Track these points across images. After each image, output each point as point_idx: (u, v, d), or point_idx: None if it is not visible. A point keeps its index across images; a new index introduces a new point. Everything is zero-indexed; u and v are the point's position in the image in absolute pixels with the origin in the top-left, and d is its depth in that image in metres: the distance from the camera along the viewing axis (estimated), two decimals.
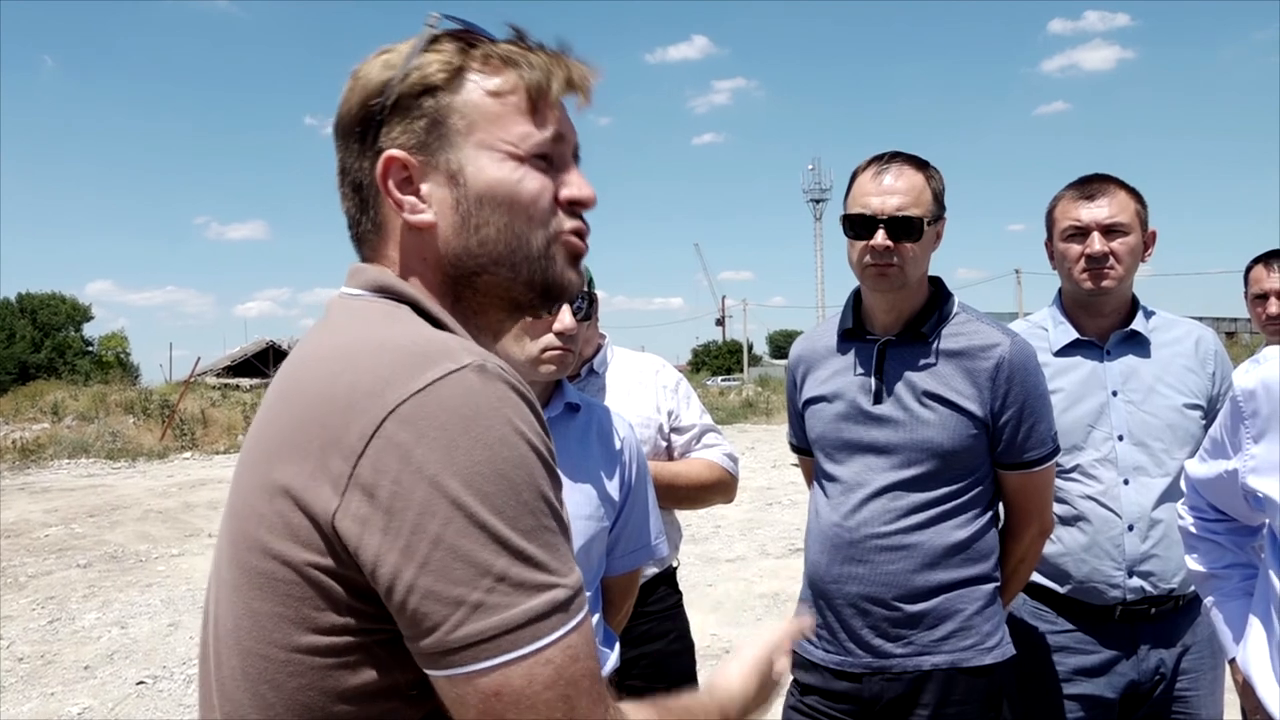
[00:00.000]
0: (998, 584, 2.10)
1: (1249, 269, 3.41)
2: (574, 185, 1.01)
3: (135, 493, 13.34)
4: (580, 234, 1.03)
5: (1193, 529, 1.93)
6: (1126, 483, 2.29)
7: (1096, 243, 2.32)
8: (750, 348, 69.02)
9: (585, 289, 1.93)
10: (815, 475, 2.25)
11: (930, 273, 2.16)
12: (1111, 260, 2.32)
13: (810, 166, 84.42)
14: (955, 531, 2.04)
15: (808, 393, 2.24)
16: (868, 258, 2.06)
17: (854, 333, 2.18)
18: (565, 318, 1.86)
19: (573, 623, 0.82)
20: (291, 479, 0.84)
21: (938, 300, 2.14)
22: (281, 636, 0.85)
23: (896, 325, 2.13)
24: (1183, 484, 1.97)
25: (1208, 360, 2.39)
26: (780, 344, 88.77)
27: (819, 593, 2.14)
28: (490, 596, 0.79)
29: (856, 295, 2.22)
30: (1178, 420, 2.31)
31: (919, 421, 2.04)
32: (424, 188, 0.97)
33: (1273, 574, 1.64)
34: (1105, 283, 2.33)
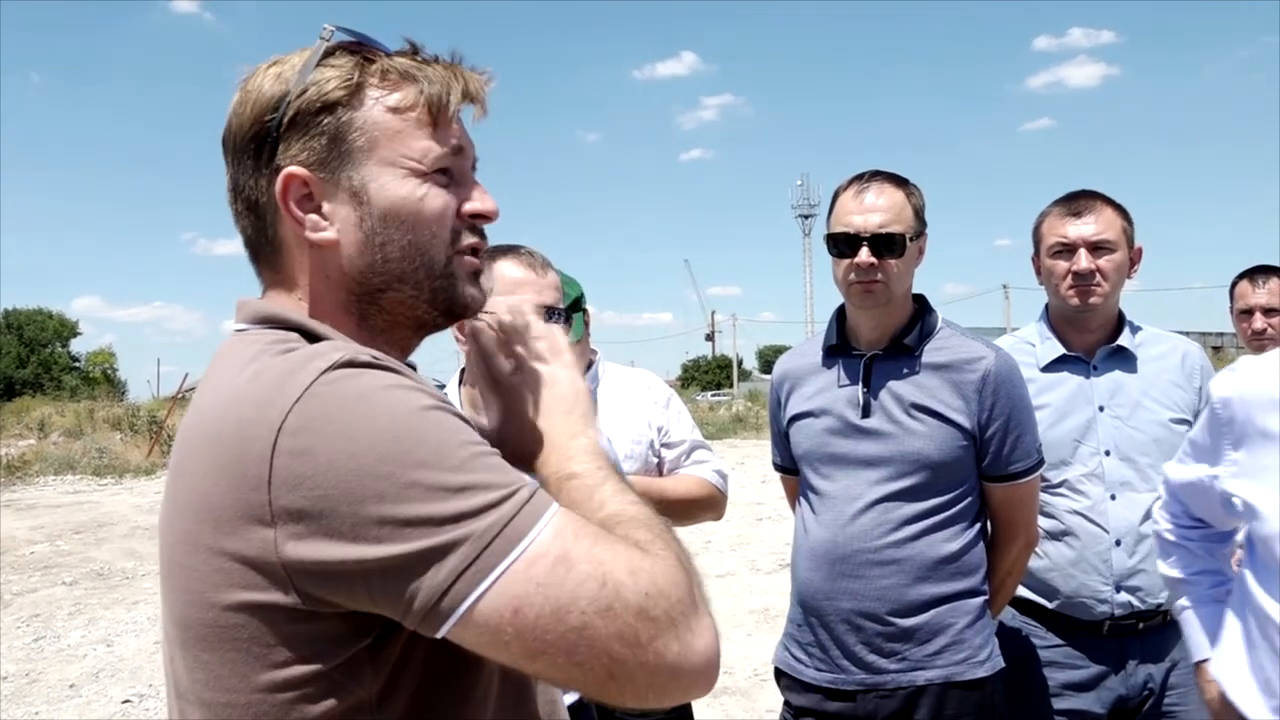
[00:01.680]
0: (987, 597, 2.11)
1: (1234, 284, 3.44)
2: (476, 199, 1.01)
3: (122, 509, 13.26)
4: (476, 250, 1.03)
5: (1169, 535, 1.95)
6: (1114, 498, 2.31)
7: (1083, 260, 2.34)
8: (740, 363, 69.12)
9: (562, 306, 1.93)
10: (802, 491, 2.26)
11: (916, 287, 2.19)
12: (1098, 277, 2.34)
13: (799, 182, 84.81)
14: (946, 544, 2.06)
15: (794, 409, 2.25)
16: (852, 275, 2.09)
17: (840, 348, 2.20)
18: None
19: (549, 510, 0.84)
20: (224, 539, 0.83)
21: (921, 315, 2.16)
22: (239, 681, 0.85)
23: (882, 340, 2.15)
24: (1160, 488, 1.99)
25: (1194, 375, 2.41)
26: (769, 359, 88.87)
27: (810, 610, 2.14)
28: (454, 534, 0.79)
29: (841, 312, 2.24)
30: (1164, 435, 2.33)
31: (908, 433, 2.06)
32: (326, 206, 0.96)
33: (1249, 579, 1.65)
34: (1091, 299, 2.35)
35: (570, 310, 2.00)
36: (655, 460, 2.55)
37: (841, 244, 2.10)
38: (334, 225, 0.96)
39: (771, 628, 6.62)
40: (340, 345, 0.89)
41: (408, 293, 0.98)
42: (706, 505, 2.58)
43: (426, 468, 0.80)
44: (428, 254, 0.98)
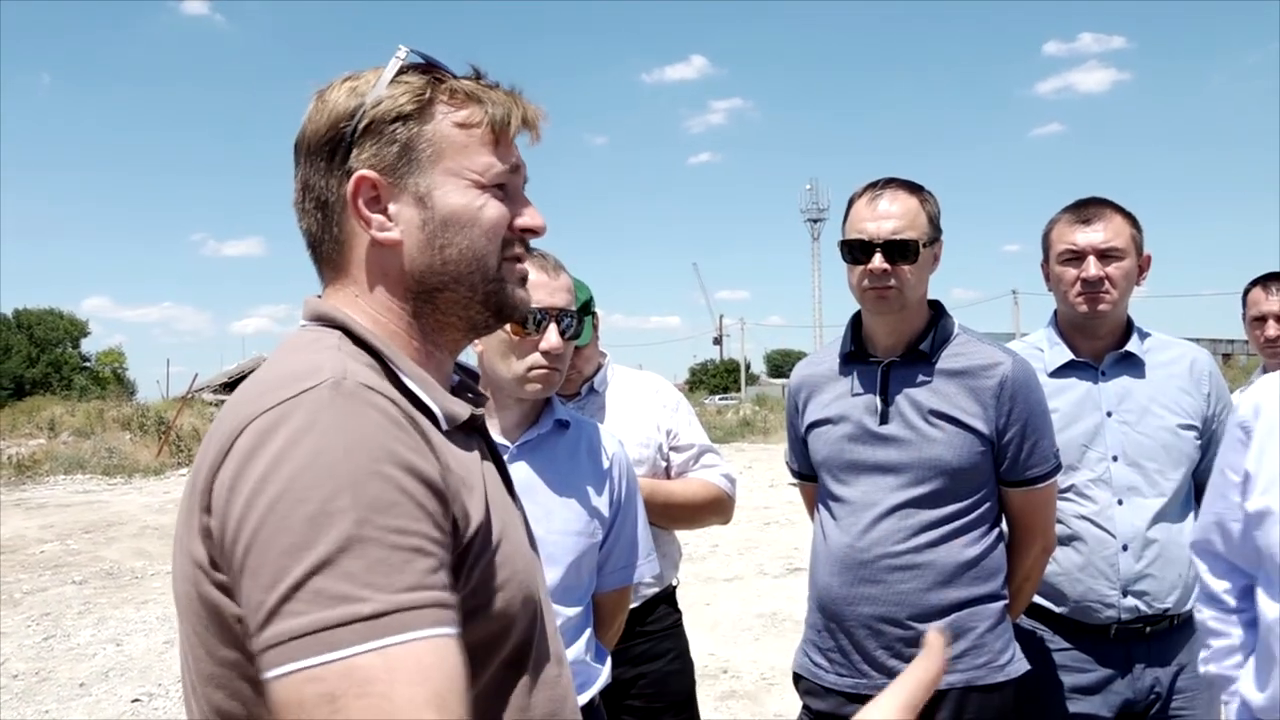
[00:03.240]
0: (1006, 602, 2.12)
1: (1247, 291, 3.44)
2: (528, 215, 1.10)
3: (131, 509, 13.31)
4: (521, 259, 1.11)
5: (1210, 622, 1.82)
6: (1121, 503, 2.31)
7: (1092, 267, 2.35)
8: (748, 367, 69.08)
9: (574, 309, 1.95)
10: (821, 498, 2.27)
11: (928, 294, 2.19)
12: (1107, 284, 2.35)
13: (808, 186, 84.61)
14: (965, 549, 2.07)
15: (811, 416, 2.26)
16: (866, 281, 2.10)
17: (856, 355, 2.21)
18: (551, 337, 1.89)
19: (390, 640, 0.76)
20: (186, 527, 0.91)
21: (937, 321, 2.17)
22: (206, 655, 0.91)
23: (898, 347, 2.16)
24: (1197, 565, 1.86)
25: (1202, 381, 2.41)
26: (778, 363, 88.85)
27: (830, 615, 2.16)
28: (291, 601, 0.77)
29: (857, 318, 2.25)
30: (1172, 441, 2.34)
31: (926, 440, 2.07)
32: (391, 208, 1.03)
33: (1261, 595, 1.65)
34: (1100, 306, 2.36)
35: (580, 313, 2.01)
36: (663, 463, 2.57)
37: (855, 250, 2.12)
38: (398, 226, 1.04)
39: (779, 632, 6.63)
40: (344, 366, 0.91)
41: (462, 293, 1.06)
42: (715, 509, 2.60)
43: (313, 523, 0.79)
44: (482, 259, 1.05)
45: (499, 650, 0.99)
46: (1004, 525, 2.18)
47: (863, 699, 2.11)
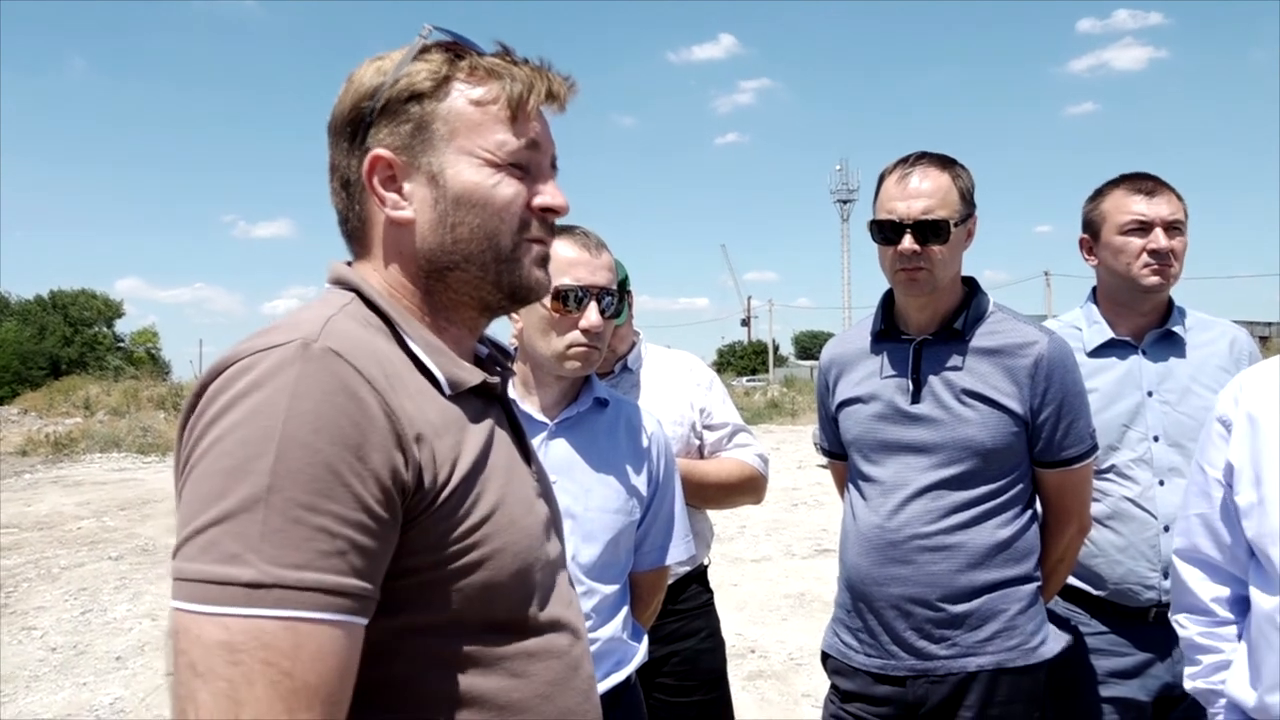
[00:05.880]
0: (1039, 583, 2.09)
1: None
2: (548, 193, 1.08)
3: (166, 486, 13.47)
4: (543, 240, 1.09)
5: (1198, 638, 1.74)
6: (1162, 484, 2.27)
7: (1162, 238, 2.31)
8: (776, 348, 68.78)
9: (614, 288, 1.94)
10: (851, 478, 2.24)
11: (962, 270, 2.15)
12: (1171, 257, 2.32)
13: (838, 167, 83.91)
14: (998, 530, 2.04)
15: (842, 394, 2.23)
16: (897, 263, 2.06)
17: (888, 333, 2.18)
18: (591, 315, 1.88)
19: (257, 611, 0.80)
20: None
21: (971, 299, 2.13)
22: None
23: (931, 325, 2.12)
24: (1184, 573, 1.77)
25: (1242, 360, 2.36)
26: (806, 345, 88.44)
27: (859, 595, 2.13)
28: (189, 544, 0.82)
29: (889, 296, 2.21)
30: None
31: (959, 420, 2.04)
32: (406, 186, 1.04)
33: (1254, 590, 1.60)
34: (1166, 279, 2.33)
35: (619, 292, 2.00)
36: (696, 442, 2.55)
37: (886, 231, 2.07)
38: (412, 205, 1.04)
39: (807, 613, 6.62)
40: (320, 327, 0.92)
41: (474, 273, 1.05)
42: (748, 489, 2.58)
43: (233, 477, 0.82)
44: (495, 238, 1.04)
45: (480, 616, 0.98)
46: (1038, 506, 2.15)
47: (891, 680, 2.12)
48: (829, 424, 2.33)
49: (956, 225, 2.05)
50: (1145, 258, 2.32)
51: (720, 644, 2.57)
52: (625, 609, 1.95)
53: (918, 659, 2.05)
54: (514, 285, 1.07)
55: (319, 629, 0.81)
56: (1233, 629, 1.70)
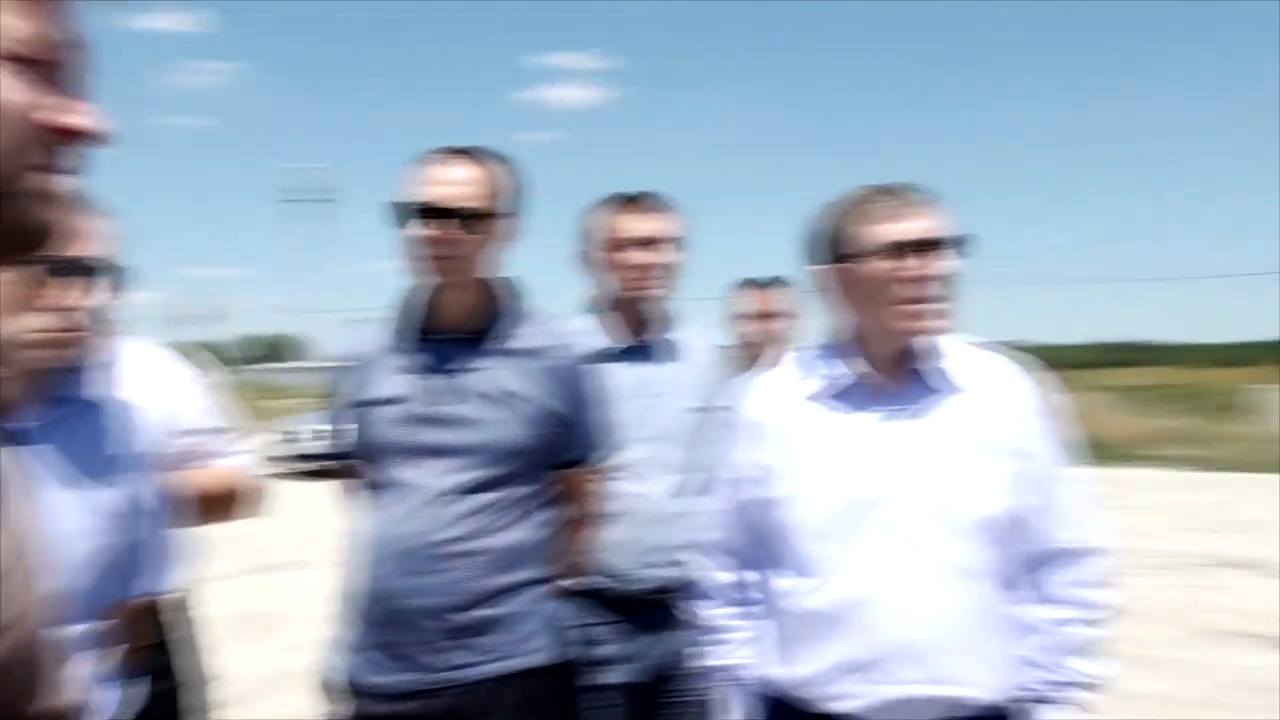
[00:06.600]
0: (555, 585, 2.13)
1: (737, 291, 3.83)
2: (69, 111, 0.76)
3: None
4: (57, 170, 0.77)
5: (720, 620, 1.91)
6: (653, 480, 2.47)
7: (649, 254, 2.51)
8: (235, 350, 64.53)
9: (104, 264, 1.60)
10: (369, 485, 2.11)
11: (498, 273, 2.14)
12: (656, 270, 2.54)
13: (299, 165, 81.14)
14: (518, 534, 2.04)
15: (360, 395, 2.09)
16: (421, 248, 1.99)
17: (414, 332, 2.08)
18: (70, 291, 1.52)
19: None
20: None
21: (502, 299, 2.12)
22: None
23: (459, 323, 2.07)
24: (704, 563, 1.96)
25: (716, 365, 2.67)
26: (264, 348, 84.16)
27: (374, 611, 2.01)
28: None
29: (415, 292, 2.12)
30: (695, 422, 2.54)
31: (483, 422, 2.00)
32: None
33: (780, 576, 1.81)
34: (656, 289, 2.55)
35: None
36: (182, 446, 2.22)
37: (411, 214, 1.99)
38: None
39: (272, 634, 6.19)
40: None
41: None
42: (240, 500, 2.32)
43: None
44: None
45: None
46: (558, 507, 2.19)
47: (408, 696, 2.01)
48: (344, 427, 2.16)
49: (492, 218, 2.02)
50: (636, 271, 2.49)
51: (202, 676, 2.26)
52: (103, 649, 1.61)
53: (435, 672, 1.98)
54: (13, 225, 0.74)
55: None
56: (750, 610, 1.87)
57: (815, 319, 3.94)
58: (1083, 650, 1.78)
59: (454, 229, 1.97)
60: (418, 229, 1.99)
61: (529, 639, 2.03)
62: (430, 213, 1.97)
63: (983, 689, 1.70)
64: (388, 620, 2.00)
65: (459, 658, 1.98)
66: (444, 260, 1.99)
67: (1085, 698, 1.79)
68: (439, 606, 1.97)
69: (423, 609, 1.97)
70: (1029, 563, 1.78)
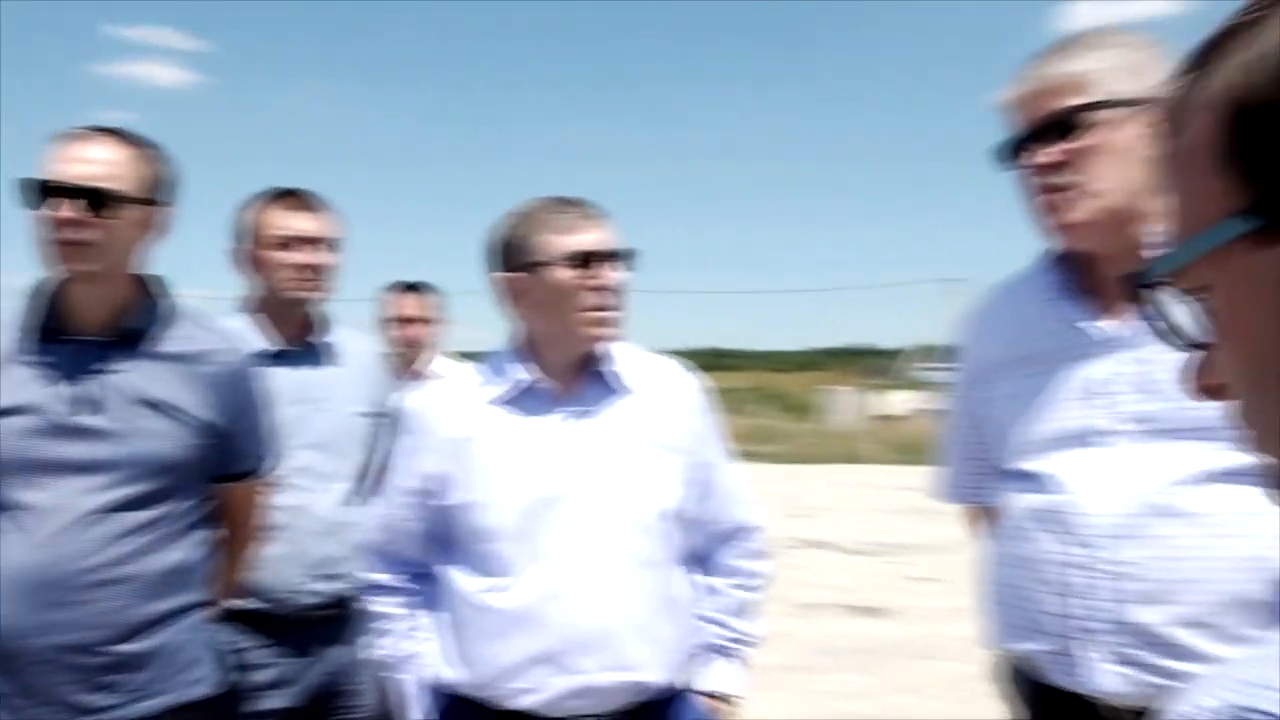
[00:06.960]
0: (214, 608, 1.97)
1: (386, 294, 3.75)
2: None
3: None
4: None
5: (388, 610, 1.90)
6: (315, 490, 2.35)
7: (310, 254, 2.41)
8: None
9: None
10: None
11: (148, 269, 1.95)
12: (317, 271, 2.45)
13: None
14: (176, 554, 1.86)
15: None
16: (53, 231, 1.78)
17: (48, 331, 1.84)
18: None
19: None
20: None
21: (153, 299, 1.94)
22: None
23: (104, 324, 1.86)
24: (365, 562, 1.96)
25: (378, 369, 2.61)
26: None
27: (6, 652, 1.73)
28: None
29: (48, 287, 1.88)
30: (359, 427, 2.46)
31: (135, 433, 1.81)
32: None
33: (460, 574, 1.83)
34: (313, 291, 2.44)
35: None
36: None
37: (41, 193, 1.77)
38: None
39: None
40: None
41: None
42: None
43: None
44: None
45: None
46: (215, 524, 2.03)
47: None
48: None
49: (136, 204, 1.84)
50: (293, 272, 2.39)
51: None
52: None
53: (91, 714, 1.75)
54: None
55: None
56: (416, 599, 1.89)
57: (456, 325, 4.00)
58: (744, 611, 1.98)
59: (84, 210, 1.78)
60: (46, 210, 1.77)
61: (187, 670, 1.86)
62: (57, 191, 1.77)
63: (660, 672, 1.82)
64: (16, 664, 1.74)
65: (105, 699, 1.76)
66: (71, 245, 1.78)
67: (747, 651, 1.99)
68: (82, 643, 1.75)
69: (62, 646, 1.74)
70: (702, 543, 1.95)
